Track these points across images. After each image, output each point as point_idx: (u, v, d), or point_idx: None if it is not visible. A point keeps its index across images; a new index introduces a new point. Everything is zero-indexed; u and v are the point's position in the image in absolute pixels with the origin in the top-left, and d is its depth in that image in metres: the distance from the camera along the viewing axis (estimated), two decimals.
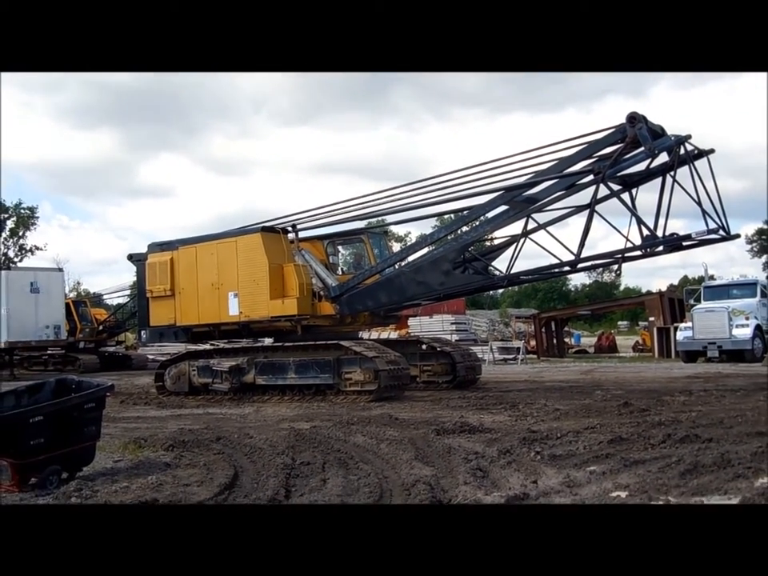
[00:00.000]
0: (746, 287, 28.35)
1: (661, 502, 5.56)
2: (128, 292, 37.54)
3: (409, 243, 28.77)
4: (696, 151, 14.15)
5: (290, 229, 17.37)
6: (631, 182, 14.91)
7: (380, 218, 18.78)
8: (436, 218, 25.62)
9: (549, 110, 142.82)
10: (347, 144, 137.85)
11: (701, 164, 14.04)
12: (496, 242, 17.51)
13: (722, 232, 13.92)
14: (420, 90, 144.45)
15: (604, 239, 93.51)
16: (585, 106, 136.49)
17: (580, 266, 16.16)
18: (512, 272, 15.88)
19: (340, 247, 18.82)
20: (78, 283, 69.64)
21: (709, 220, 13.82)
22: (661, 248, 14.82)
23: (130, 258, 19.92)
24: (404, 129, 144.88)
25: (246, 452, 8.83)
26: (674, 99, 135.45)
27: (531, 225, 15.47)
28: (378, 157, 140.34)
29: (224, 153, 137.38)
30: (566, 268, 15.98)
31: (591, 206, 14.38)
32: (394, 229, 44.36)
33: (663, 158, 14.23)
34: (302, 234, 17.62)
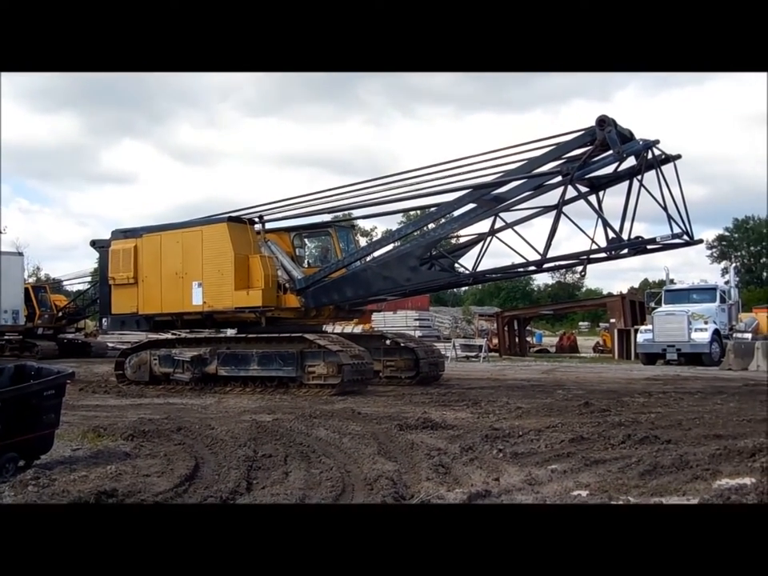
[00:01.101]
0: (705, 292, 28.86)
1: (621, 502, 5.62)
2: (89, 278, 36.98)
3: (375, 238, 28.84)
4: (663, 156, 14.29)
5: (256, 220, 17.24)
6: (599, 185, 14.99)
7: (347, 212, 18.74)
8: (402, 213, 25.71)
9: (516, 110, 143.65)
10: (313, 136, 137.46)
11: (667, 169, 14.20)
12: (463, 239, 17.55)
13: (685, 237, 14.09)
14: (387, 85, 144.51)
15: (568, 240, 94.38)
16: (551, 107, 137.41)
17: (545, 266, 16.26)
18: (478, 270, 15.95)
19: (307, 240, 18.75)
20: (38, 268, 68.62)
21: (674, 225, 13.99)
22: (625, 251, 14.96)
23: (93, 244, 19.60)
24: (370, 124, 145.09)
25: (207, 443, 8.76)
26: (640, 104, 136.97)
27: (499, 224, 15.54)
28: (344, 151, 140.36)
29: (189, 141, 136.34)
30: (532, 268, 16.08)
31: (558, 207, 14.47)
32: (360, 223, 44.37)
33: (631, 161, 14.36)
34: (269, 226, 17.52)
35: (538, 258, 14.86)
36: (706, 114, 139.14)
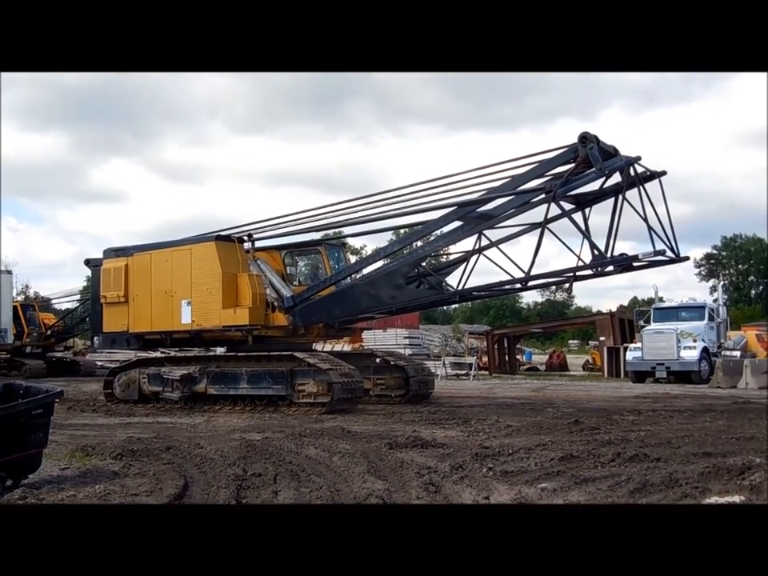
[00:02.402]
0: (694, 310, 28.95)
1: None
2: (77, 297, 36.86)
3: (365, 256, 28.77)
4: (648, 173, 14.31)
5: (245, 238, 17.26)
6: (585, 202, 15.00)
7: (337, 230, 18.75)
8: (392, 231, 25.75)
9: (504, 128, 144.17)
10: (302, 154, 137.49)
11: (653, 186, 14.22)
12: (451, 257, 17.58)
13: (670, 254, 14.09)
14: (375, 103, 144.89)
15: (557, 258, 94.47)
16: (539, 127, 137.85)
17: (531, 283, 16.16)
18: (464, 288, 15.96)
19: (298, 258, 18.77)
20: (27, 287, 68.20)
21: (657, 241, 14.00)
22: (611, 268, 14.98)
23: (87, 262, 19.63)
24: (359, 142, 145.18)
25: (196, 462, 8.72)
26: (625, 123, 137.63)
27: (485, 242, 15.57)
28: (333, 169, 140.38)
29: (177, 159, 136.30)
30: (518, 285, 16.05)
31: (542, 225, 14.47)
32: (350, 241, 44.38)
33: (617, 178, 14.38)
34: (260, 244, 17.54)
35: (523, 275, 14.86)
36: (692, 133, 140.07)
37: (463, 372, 32.28)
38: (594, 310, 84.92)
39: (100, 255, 19.02)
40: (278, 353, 16.21)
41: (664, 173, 14.36)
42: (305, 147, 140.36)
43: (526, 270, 14.68)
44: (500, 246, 15.44)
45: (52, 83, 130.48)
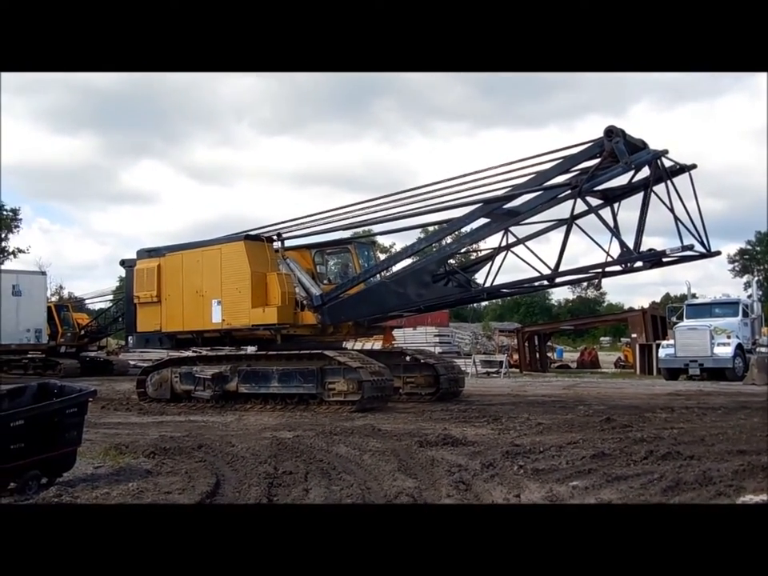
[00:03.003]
0: (728, 306, 28.54)
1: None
2: (110, 297, 37.30)
3: (391, 254, 28.69)
4: (678, 166, 14.10)
5: (275, 237, 17.35)
6: (613, 197, 14.83)
7: (366, 228, 18.76)
8: (420, 229, 25.66)
9: (531, 126, 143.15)
10: (328, 155, 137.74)
11: (683, 180, 14.01)
12: (479, 254, 17.50)
13: (699, 248, 13.83)
14: (401, 102, 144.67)
15: (585, 255, 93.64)
16: (567, 123, 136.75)
17: (559, 279, 15.96)
18: (492, 285, 15.88)
19: (328, 257, 18.82)
20: (61, 287, 69.11)
21: (686, 236, 13.77)
22: (641, 263, 14.77)
23: (122, 263, 19.93)
24: (386, 141, 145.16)
25: (227, 460, 8.79)
26: (655, 118, 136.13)
27: (512, 238, 15.47)
28: (359, 168, 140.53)
29: (205, 160, 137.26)
30: (545, 282, 15.91)
31: (569, 221, 14.33)
32: (379, 240, 44.36)
33: (646, 172, 14.17)
34: (291, 243, 17.63)
35: (551, 272, 14.74)
36: (722, 127, 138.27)
37: (494, 370, 32.17)
38: (626, 306, 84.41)
39: (132, 256, 19.27)
40: (308, 351, 16.28)
41: (694, 166, 14.14)
42: (331, 147, 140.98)
43: (552, 267, 14.59)
44: (528, 242, 15.34)
45: (82, 87, 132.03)
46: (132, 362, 33.77)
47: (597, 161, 13.99)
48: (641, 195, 14.26)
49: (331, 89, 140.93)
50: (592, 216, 14.54)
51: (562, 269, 14.70)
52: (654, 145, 14.15)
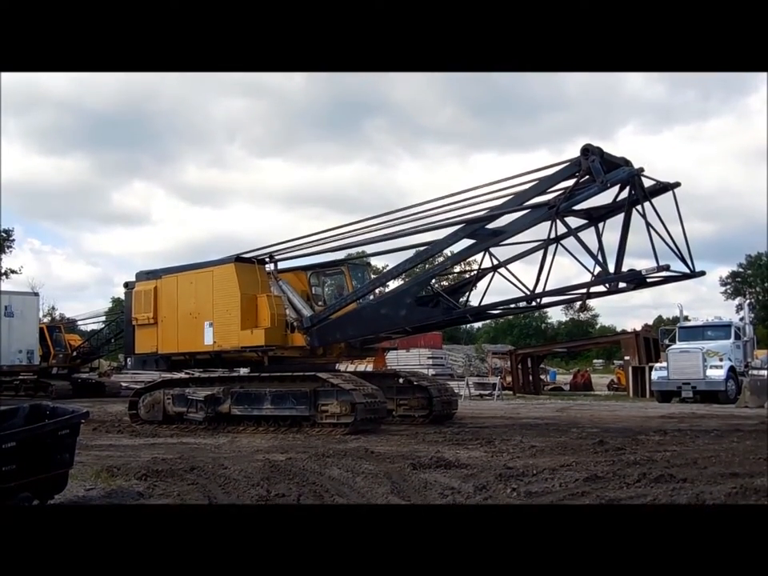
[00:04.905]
0: (720, 329, 28.65)
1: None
2: (102, 318, 37.24)
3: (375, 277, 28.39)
4: (660, 185, 14.05)
5: (267, 259, 17.38)
6: (597, 216, 14.72)
7: (360, 250, 18.79)
8: (414, 250, 25.70)
9: (520, 149, 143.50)
10: (320, 176, 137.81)
11: (666, 199, 13.97)
12: (466, 276, 17.49)
13: (681, 268, 13.79)
14: (392, 123, 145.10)
15: (577, 277, 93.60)
16: (557, 146, 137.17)
17: (544, 300, 15.73)
18: (477, 305, 15.86)
19: (324, 278, 18.85)
20: (53, 308, 68.98)
21: (671, 256, 13.76)
22: (624, 284, 14.68)
23: (126, 285, 19.96)
24: (376, 162, 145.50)
25: (220, 483, 8.74)
26: (642, 141, 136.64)
27: (494, 260, 15.46)
28: (351, 189, 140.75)
29: (197, 181, 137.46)
30: (528, 303, 15.79)
31: (551, 241, 14.31)
32: (372, 261, 44.45)
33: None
34: (285, 265, 17.65)
35: (529, 293, 14.71)
36: (711, 150, 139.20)
37: (487, 392, 32.13)
38: (619, 329, 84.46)
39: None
40: (301, 373, 16.26)
41: (678, 184, 14.07)
42: (323, 168, 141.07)
43: (530, 288, 14.58)
44: (519, 263, 15.34)
45: (74, 107, 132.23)
46: (124, 384, 33.66)
47: (574, 180, 13.99)
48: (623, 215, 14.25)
49: (321, 109, 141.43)
50: (582, 235, 14.50)
51: (548, 289, 14.67)
52: (643, 165, 14.11)
